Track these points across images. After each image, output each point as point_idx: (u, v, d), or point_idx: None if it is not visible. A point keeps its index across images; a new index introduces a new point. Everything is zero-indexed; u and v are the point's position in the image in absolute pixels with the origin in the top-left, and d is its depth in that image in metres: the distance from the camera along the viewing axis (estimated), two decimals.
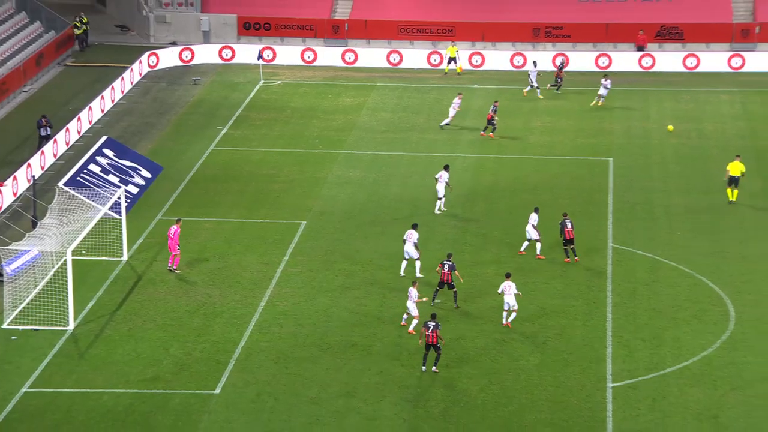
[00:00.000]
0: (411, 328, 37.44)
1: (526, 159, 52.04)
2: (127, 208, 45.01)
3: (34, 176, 48.03)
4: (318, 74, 65.47)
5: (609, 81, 59.36)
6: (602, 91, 59.17)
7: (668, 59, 66.18)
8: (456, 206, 46.83)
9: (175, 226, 41.68)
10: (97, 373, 35.55)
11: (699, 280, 41.26)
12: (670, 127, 50.84)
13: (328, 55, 67.60)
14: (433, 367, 34.95)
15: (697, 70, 65.60)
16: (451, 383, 34.90)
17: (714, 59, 65.99)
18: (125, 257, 42.90)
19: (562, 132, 55.72)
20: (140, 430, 32.69)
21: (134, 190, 48.64)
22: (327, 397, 34.17)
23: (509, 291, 37.81)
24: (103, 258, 42.56)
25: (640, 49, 67.16)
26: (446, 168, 46.50)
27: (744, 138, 55.08)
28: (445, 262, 38.79)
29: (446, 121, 56.07)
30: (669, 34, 68.06)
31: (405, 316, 37.75)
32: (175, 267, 41.58)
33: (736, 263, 42.58)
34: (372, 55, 67.36)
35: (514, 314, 37.92)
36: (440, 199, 46.16)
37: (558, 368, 35.72)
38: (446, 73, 65.09)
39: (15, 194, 48.02)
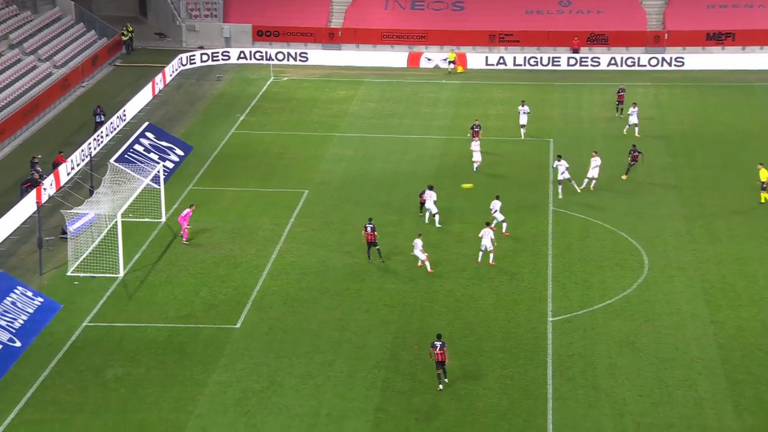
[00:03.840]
0: (429, 268, 37.57)
1: (485, 140, 51.88)
2: (165, 180, 44.76)
3: (90, 154, 47.73)
4: (317, 72, 65.05)
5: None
6: (633, 119, 52.03)
7: (597, 59, 66.01)
8: (430, 179, 46.67)
9: (188, 210, 40.74)
10: (143, 311, 35.49)
11: (620, 236, 41.31)
12: (466, 186, 43.86)
13: (325, 57, 67.10)
14: (446, 380, 30.77)
15: (619, 68, 65.47)
16: (424, 320, 34.92)
17: (632, 59, 65.81)
18: (164, 219, 42.70)
19: (512, 118, 55.53)
20: (177, 356, 32.69)
21: (170, 165, 48.35)
22: (325, 330, 34.18)
23: (486, 236, 37.95)
24: (146, 220, 42.37)
25: (575, 51, 66.92)
26: (559, 157, 44.69)
27: (655, 122, 55.01)
28: (367, 225, 38.53)
29: (476, 165, 47.53)
30: (597, 40, 67.82)
31: (419, 262, 38.02)
32: (185, 240, 40.53)
33: (649, 222, 42.64)
34: (360, 57, 66.91)
35: (491, 255, 37.99)
36: (571, 181, 44.65)
37: (509, 306, 35.78)
38: (449, 72, 64.14)
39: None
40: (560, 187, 44.27)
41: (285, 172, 48.29)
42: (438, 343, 30.61)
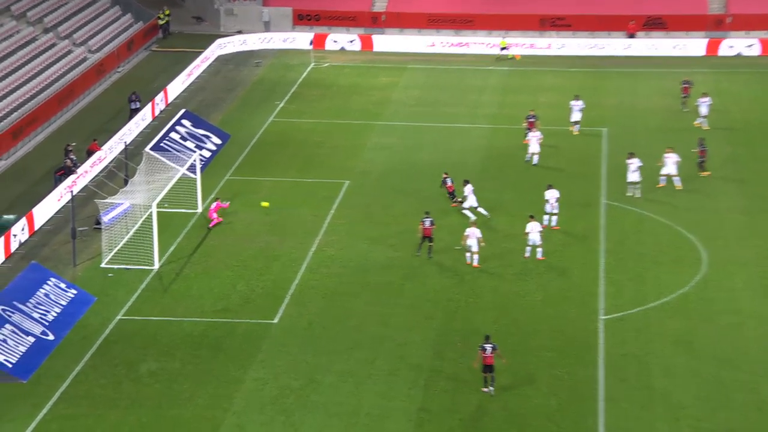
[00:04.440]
0: (476, 263, 37.38)
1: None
2: (202, 169, 45.02)
3: (125, 142, 48.15)
4: (359, 57, 65.08)
5: (708, 98, 51.35)
6: (703, 110, 51.32)
7: (654, 45, 65.34)
8: (476, 169, 46.42)
9: (217, 203, 41.35)
10: (178, 305, 35.77)
11: (677, 231, 40.88)
12: (264, 204, 42.16)
13: (368, 42, 67.10)
14: (491, 388, 30.12)
15: (678, 54, 64.74)
16: (469, 317, 34.83)
17: (692, 45, 65.04)
18: (200, 209, 42.97)
19: (563, 106, 54.97)
20: (213, 352, 32.90)
21: (207, 154, 48.63)
22: (366, 326, 34.21)
23: (534, 230, 37.74)
24: (182, 210, 42.66)
25: (630, 36, 66.33)
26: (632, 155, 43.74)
27: (717, 112, 54.21)
28: (425, 219, 38.37)
29: (535, 159, 46.91)
30: (654, 24, 67.14)
31: (468, 254, 37.61)
32: (210, 226, 41.01)
33: (708, 216, 42.15)
34: (405, 42, 66.81)
35: (539, 250, 37.76)
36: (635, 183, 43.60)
37: (558, 303, 35.57)
38: (498, 59, 63.55)
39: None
40: (629, 186, 43.52)
41: (325, 162, 48.37)
42: (488, 346, 30.00)
